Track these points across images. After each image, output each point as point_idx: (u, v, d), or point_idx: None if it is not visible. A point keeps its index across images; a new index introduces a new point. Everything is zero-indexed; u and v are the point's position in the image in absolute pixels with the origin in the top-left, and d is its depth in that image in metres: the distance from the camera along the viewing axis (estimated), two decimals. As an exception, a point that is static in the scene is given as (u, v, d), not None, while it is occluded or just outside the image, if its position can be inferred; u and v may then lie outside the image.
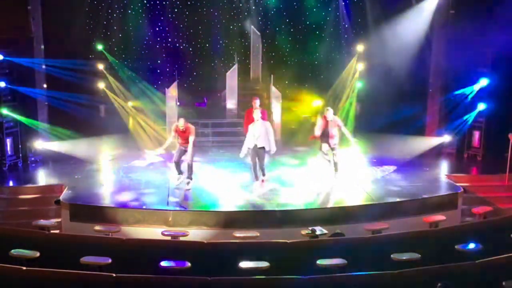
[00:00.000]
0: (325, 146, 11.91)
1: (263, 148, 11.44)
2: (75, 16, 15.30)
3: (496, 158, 13.46)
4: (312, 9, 17.64)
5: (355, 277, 7.13)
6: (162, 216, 10.35)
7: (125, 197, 11.21)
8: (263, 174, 11.77)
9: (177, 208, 10.60)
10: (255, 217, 10.48)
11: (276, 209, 10.62)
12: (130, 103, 15.98)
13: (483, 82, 14.04)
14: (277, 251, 8.31)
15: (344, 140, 12.46)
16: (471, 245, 8.22)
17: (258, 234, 9.17)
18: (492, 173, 13.05)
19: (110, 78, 15.86)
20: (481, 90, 14.17)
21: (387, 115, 15.08)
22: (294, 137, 15.25)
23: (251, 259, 7.77)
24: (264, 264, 7.67)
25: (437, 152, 14.72)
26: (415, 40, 15.01)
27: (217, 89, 17.16)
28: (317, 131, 11.81)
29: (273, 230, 10.01)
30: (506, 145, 12.37)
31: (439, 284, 5.98)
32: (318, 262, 7.70)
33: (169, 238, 9.22)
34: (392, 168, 13.22)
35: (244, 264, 7.68)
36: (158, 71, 17.34)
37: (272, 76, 16.12)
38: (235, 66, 16.08)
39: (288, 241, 8.44)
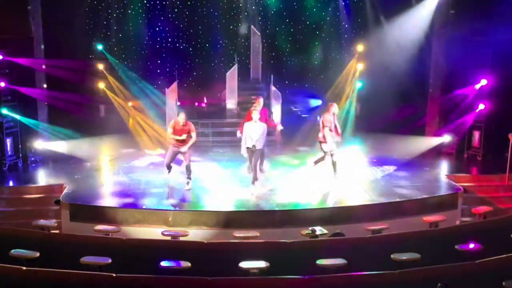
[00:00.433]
0: (330, 146, 11.73)
1: (260, 149, 11.36)
2: (75, 16, 15.31)
3: (496, 158, 13.46)
4: (312, 9, 17.67)
5: (355, 277, 7.13)
6: (162, 216, 10.35)
7: (125, 197, 11.21)
8: (253, 182, 11.41)
9: (177, 208, 10.60)
10: (255, 217, 10.47)
11: (276, 209, 10.62)
12: (130, 103, 15.98)
13: (483, 82, 14.04)
14: (277, 251, 8.30)
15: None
16: (471, 245, 8.22)
17: (258, 234, 9.17)
18: (492, 173, 13.05)
19: (110, 78, 15.86)
20: (481, 90, 14.17)
21: (387, 115, 15.09)
22: (294, 137, 15.24)
23: (251, 259, 7.77)
24: (264, 264, 7.67)
25: (437, 152, 14.72)
26: (415, 40, 15.02)
27: (217, 89, 17.17)
28: (327, 129, 11.61)
29: (273, 230, 10.01)
30: (506, 145, 12.37)
31: (439, 284, 5.98)
32: (318, 262, 7.70)
33: (169, 238, 9.22)
34: (392, 168, 13.23)
35: (244, 264, 7.68)
36: (158, 71, 17.35)
37: (272, 76, 16.13)
38: (235, 66, 16.09)
39: (288, 241, 8.43)
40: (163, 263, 7.61)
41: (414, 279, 7.10)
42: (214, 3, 17.40)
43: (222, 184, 11.88)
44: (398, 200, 11.10)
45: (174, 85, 15.40)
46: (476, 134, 14.57)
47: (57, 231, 9.94)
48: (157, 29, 17.33)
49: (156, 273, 7.39)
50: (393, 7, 15.51)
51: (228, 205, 10.81)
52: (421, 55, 15.11)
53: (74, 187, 11.68)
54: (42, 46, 14.36)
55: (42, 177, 13.25)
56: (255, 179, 11.45)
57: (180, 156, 11.68)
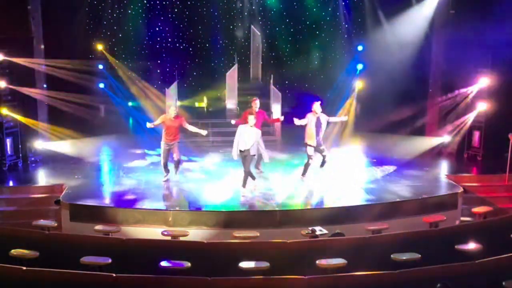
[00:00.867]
0: (311, 150, 11.70)
1: (254, 155, 11.29)
2: (75, 16, 15.32)
3: (496, 158, 13.45)
4: (312, 9, 17.66)
5: (355, 277, 7.13)
6: (162, 216, 10.35)
7: (125, 197, 11.21)
8: (244, 185, 11.27)
9: (177, 208, 10.60)
10: (255, 217, 10.47)
11: (276, 209, 10.62)
12: (130, 103, 15.99)
13: (483, 82, 14.05)
14: (277, 251, 8.30)
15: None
16: (471, 245, 8.22)
17: (258, 234, 9.16)
18: (492, 173, 13.05)
19: (110, 78, 15.87)
20: (481, 90, 14.18)
21: (387, 115, 15.09)
22: (294, 137, 15.23)
23: (251, 259, 7.77)
24: (264, 264, 7.67)
25: (437, 152, 14.73)
26: (415, 40, 15.02)
27: (217, 89, 17.18)
28: (301, 122, 11.57)
29: (273, 230, 10.00)
30: (506, 145, 12.37)
31: (438, 285, 5.98)
32: (318, 262, 7.70)
33: (169, 238, 9.22)
34: (392, 168, 13.23)
35: (244, 264, 7.68)
36: (158, 71, 17.36)
37: (272, 76, 16.13)
38: (235, 66, 16.09)
39: (288, 241, 8.43)
40: (163, 263, 7.61)
41: (414, 279, 7.10)
42: (214, 3, 17.41)
43: (222, 184, 11.87)
44: (398, 200, 11.09)
45: (174, 85, 15.39)
46: (476, 134, 14.57)
47: (57, 231, 9.93)
48: (157, 29, 17.35)
49: (156, 273, 7.39)
50: (393, 7, 15.52)
51: (228, 205, 10.82)
52: (421, 55, 15.11)
53: (74, 187, 11.68)
54: (42, 46, 14.38)
55: (42, 177, 13.25)
56: (245, 183, 11.25)
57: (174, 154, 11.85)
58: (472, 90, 14.30)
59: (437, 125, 15.34)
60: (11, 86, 13.60)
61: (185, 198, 11.30)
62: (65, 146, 14.24)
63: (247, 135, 11.03)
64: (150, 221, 10.33)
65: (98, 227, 9.44)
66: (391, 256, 7.90)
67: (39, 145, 14.14)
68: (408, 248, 8.09)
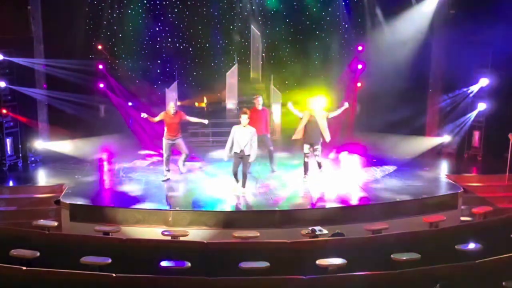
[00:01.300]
0: (306, 148, 11.77)
1: (249, 155, 10.98)
2: (75, 16, 15.30)
3: (496, 158, 13.45)
4: (312, 9, 17.65)
5: (355, 277, 7.13)
6: (162, 216, 10.35)
7: (125, 197, 11.21)
8: (243, 186, 11.22)
9: (177, 208, 10.60)
10: (255, 217, 10.47)
11: (276, 209, 10.61)
12: (130, 103, 15.98)
13: (483, 82, 14.04)
14: (277, 251, 8.30)
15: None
16: (471, 245, 8.22)
17: (258, 234, 9.17)
18: (492, 173, 13.05)
19: (110, 78, 15.86)
20: (481, 90, 14.17)
21: (387, 115, 15.08)
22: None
23: (251, 259, 7.76)
24: (264, 264, 7.67)
25: (437, 152, 14.72)
26: (415, 40, 15.01)
27: (217, 89, 17.18)
28: (296, 112, 11.65)
29: (273, 230, 10.00)
30: (506, 145, 12.38)
31: (438, 285, 5.98)
32: (318, 262, 7.70)
33: (169, 238, 9.22)
34: (392, 168, 13.23)
35: (244, 264, 7.67)
36: (158, 71, 17.35)
37: (272, 76, 16.12)
38: (235, 66, 16.08)
39: (288, 241, 8.43)
40: (163, 263, 7.61)
41: (414, 279, 7.09)
42: (214, 3, 17.40)
43: (222, 184, 11.87)
44: (398, 200, 11.10)
45: (174, 85, 15.39)
46: (476, 134, 14.57)
47: (57, 231, 9.93)
48: (157, 29, 17.33)
49: (156, 273, 7.39)
50: (393, 7, 15.50)
51: (228, 205, 10.82)
52: (421, 55, 15.10)
53: (74, 187, 11.68)
54: (42, 46, 14.36)
55: (42, 177, 13.26)
56: (244, 183, 11.22)
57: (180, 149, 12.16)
58: (472, 90, 14.30)
59: (437, 125, 15.33)
60: (11, 86, 13.60)
61: (185, 198, 11.30)
62: (65, 146, 14.24)
63: (241, 136, 10.86)
64: (150, 221, 10.33)
65: (98, 227, 9.44)
66: (391, 256, 7.90)
67: (39, 145, 14.14)
68: (408, 248, 8.08)
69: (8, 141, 13.67)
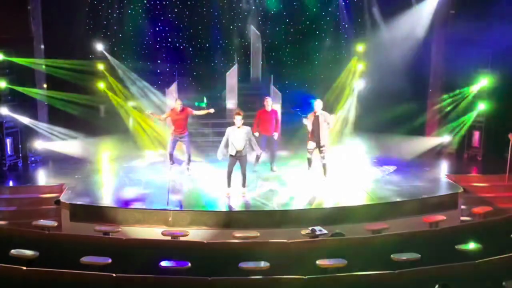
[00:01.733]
0: (311, 144, 11.81)
1: (246, 156, 11.00)
2: (75, 16, 15.30)
3: (496, 158, 13.46)
4: (312, 9, 17.64)
5: (355, 277, 7.13)
6: (162, 216, 10.35)
7: (125, 197, 11.21)
8: (243, 185, 11.25)
9: (177, 208, 10.61)
10: (255, 217, 10.47)
11: (276, 209, 10.61)
12: (130, 103, 15.97)
13: (483, 82, 14.04)
14: (277, 251, 8.31)
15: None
16: (471, 245, 8.22)
17: (258, 234, 9.17)
18: (492, 173, 13.04)
19: (110, 78, 15.85)
20: (481, 90, 14.17)
21: (387, 115, 15.08)
22: (294, 137, 15.22)
23: (251, 259, 7.77)
24: (264, 264, 7.67)
25: (437, 152, 14.72)
26: (415, 40, 15.01)
27: (217, 89, 17.17)
28: (309, 128, 11.67)
29: (273, 230, 10.00)
30: (506, 145, 12.37)
31: (437, 285, 5.98)
32: (318, 262, 7.70)
33: (169, 238, 9.22)
34: (392, 168, 13.23)
35: (244, 264, 7.68)
36: (158, 71, 17.33)
37: (272, 76, 16.12)
38: (235, 66, 16.08)
39: (288, 241, 8.44)
40: (163, 263, 7.62)
41: (414, 279, 7.10)
42: (214, 3, 17.39)
43: (222, 184, 11.86)
44: (398, 200, 11.10)
45: (174, 85, 15.38)
46: (476, 134, 14.57)
47: (57, 231, 9.94)
48: (157, 29, 17.32)
49: (156, 273, 7.39)
50: (393, 7, 15.50)
51: (228, 205, 10.81)
52: (421, 55, 15.10)
53: (74, 187, 11.68)
54: (42, 46, 14.37)
55: (42, 177, 13.27)
56: (244, 183, 11.24)
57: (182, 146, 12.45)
58: (472, 90, 14.30)
59: (437, 125, 15.33)
60: (11, 86, 13.60)
61: (185, 198, 11.30)
62: (65, 146, 14.23)
63: (234, 137, 10.77)
64: (150, 221, 10.33)
65: (98, 227, 9.45)
66: (391, 256, 7.90)
67: (39, 145, 14.14)
68: (408, 248, 8.09)
69: (8, 141, 13.67)
